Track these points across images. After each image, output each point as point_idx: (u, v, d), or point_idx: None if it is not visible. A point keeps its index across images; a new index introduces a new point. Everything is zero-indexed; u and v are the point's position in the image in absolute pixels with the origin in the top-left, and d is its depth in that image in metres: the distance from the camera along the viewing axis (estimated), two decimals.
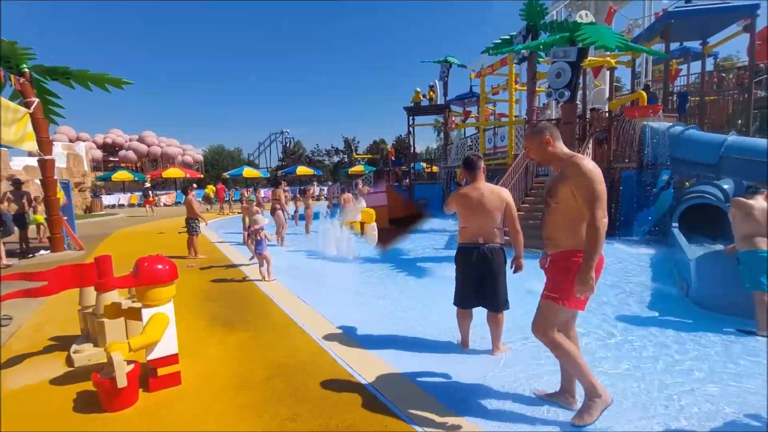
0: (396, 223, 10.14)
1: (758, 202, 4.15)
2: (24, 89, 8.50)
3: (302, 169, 37.76)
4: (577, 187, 2.28)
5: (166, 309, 2.99)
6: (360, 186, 15.14)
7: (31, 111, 8.30)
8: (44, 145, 8.73)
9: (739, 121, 12.73)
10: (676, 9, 11.85)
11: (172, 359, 2.99)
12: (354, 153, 47.26)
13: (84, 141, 33.27)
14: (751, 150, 7.77)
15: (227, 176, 34.31)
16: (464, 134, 20.83)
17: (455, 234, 3.69)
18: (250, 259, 7.26)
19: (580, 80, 9.82)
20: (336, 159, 53.58)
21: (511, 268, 3.35)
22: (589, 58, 10.12)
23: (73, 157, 23.49)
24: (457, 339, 3.71)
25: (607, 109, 12.11)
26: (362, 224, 8.67)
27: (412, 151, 21.86)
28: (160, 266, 2.92)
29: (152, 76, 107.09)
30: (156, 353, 2.92)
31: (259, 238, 6.20)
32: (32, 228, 10.35)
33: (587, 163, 2.30)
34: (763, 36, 12.48)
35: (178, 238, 9.44)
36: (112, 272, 3.31)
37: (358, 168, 36.33)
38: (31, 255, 8.78)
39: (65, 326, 4.31)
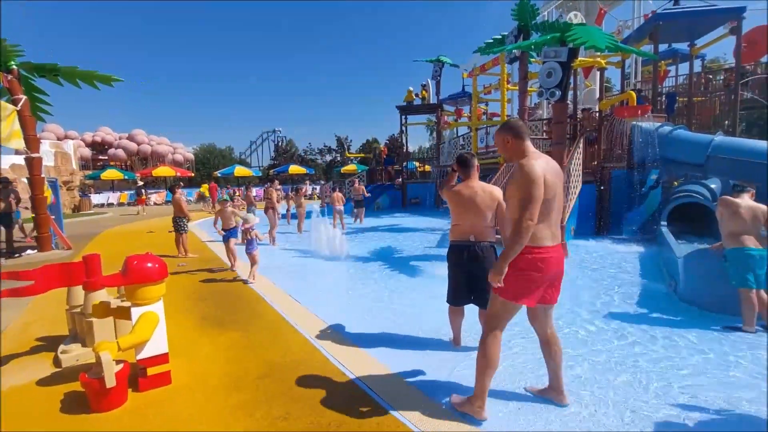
0: None
1: (744, 200, 4.22)
2: (11, 86, 8.35)
3: (294, 168, 37.61)
4: (517, 187, 2.35)
5: (156, 308, 2.96)
6: (356, 185, 15.14)
7: (18, 108, 8.15)
8: (31, 142, 8.58)
9: (726, 122, 12.94)
10: (665, 11, 12.01)
11: (162, 359, 2.96)
12: (347, 152, 47.18)
13: (72, 139, 32.72)
14: (738, 150, 7.92)
15: (218, 175, 34.04)
16: (456, 133, 20.89)
17: (447, 232, 3.70)
18: (231, 267, 7.02)
19: (571, 80, 9.90)
20: (329, 158, 53.44)
21: None
22: (579, 58, 10.22)
23: (61, 156, 23.06)
24: (449, 336, 3.73)
25: (597, 109, 12.25)
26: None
27: (404, 151, 21.88)
28: (149, 264, 2.89)
29: (152, 75, 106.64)
30: (146, 352, 2.88)
31: (249, 237, 6.16)
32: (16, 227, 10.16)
33: (530, 166, 2.32)
34: (749, 38, 12.72)
35: (168, 237, 9.34)
36: (100, 271, 3.27)
37: (351, 167, 36.27)
38: (17, 255, 8.62)
39: (53, 326, 4.24)
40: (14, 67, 8.49)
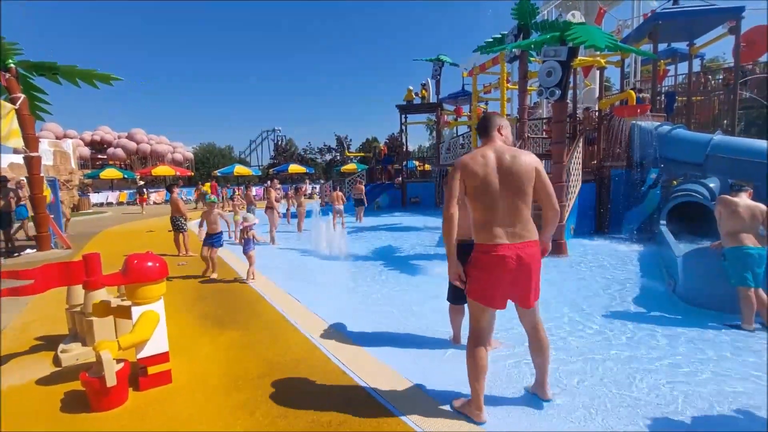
0: None
1: (743, 199, 4.23)
2: (10, 85, 8.33)
3: (294, 167, 37.59)
4: None
5: (157, 307, 2.96)
6: (358, 184, 15.16)
7: (16, 107, 8.14)
8: (30, 141, 8.58)
9: (725, 121, 12.95)
10: (664, 10, 12.00)
11: (162, 357, 2.96)
12: (346, 151, 47.14)
13: (71, 138, 32.65)
14: (737, 149, 7.93)
15: (218, 174, 34.01)
16: (456, 132, 20.87)
17: None
18: (204, 272, 6.63)
19: (571, 79, 9.89)
20: (328, 157, 53.39)
21: None
22: (579, 57, 10.21)
23: (60, 155, 22.98)
24: (449, 335, 3.73)
25: (597, 108, 12.26)
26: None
27: (404, 150, 21.87)
28: (150, 263, 2.89)
29: (152, 75, 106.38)
30: (146, 352, 2.89)
31: (247, 236, 6.16)
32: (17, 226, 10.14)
33: (459, 158, 2.42)
34: (748, 38, 12.73)
35: (168, 237, 9.33)
36: (100, 270, 3.26)
37: (351, 166, 36.25)
38: (17, 254, 8.61)
39: (53, 325, 4.24)
40: (12, 65, 8.47)
